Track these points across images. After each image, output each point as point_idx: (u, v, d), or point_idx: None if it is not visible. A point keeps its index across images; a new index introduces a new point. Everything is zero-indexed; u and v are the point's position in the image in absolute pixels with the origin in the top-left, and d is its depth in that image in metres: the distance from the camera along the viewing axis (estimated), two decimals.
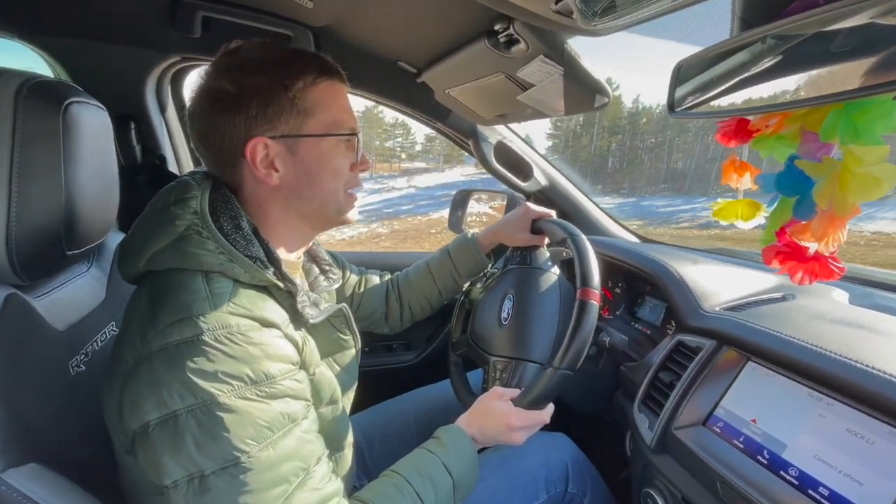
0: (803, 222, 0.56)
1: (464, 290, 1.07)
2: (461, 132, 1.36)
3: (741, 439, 0.67)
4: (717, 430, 0.71)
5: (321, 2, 0.84)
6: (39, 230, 0.63)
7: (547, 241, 0.98)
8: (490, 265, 1.03)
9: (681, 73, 0.65)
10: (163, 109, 1.16)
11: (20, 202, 0.60)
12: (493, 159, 1.39)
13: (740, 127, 0.60)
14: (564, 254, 1.00)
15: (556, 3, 0.50)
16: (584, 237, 0.82)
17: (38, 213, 0.63)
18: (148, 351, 0.51)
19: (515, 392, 0.77)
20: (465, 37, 0.82)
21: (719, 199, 0.65)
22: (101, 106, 0.72)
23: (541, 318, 0.87)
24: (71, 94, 0.65)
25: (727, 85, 0.63)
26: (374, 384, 1.17)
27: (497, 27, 0.72)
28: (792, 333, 0.71)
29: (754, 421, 0.67)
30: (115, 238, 0.91)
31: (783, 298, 0.91)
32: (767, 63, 0.57)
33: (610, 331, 0.99)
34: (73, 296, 0.76)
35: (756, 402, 0.70)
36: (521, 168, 1.44)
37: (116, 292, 0.83)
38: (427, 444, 0.70)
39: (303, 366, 0.62)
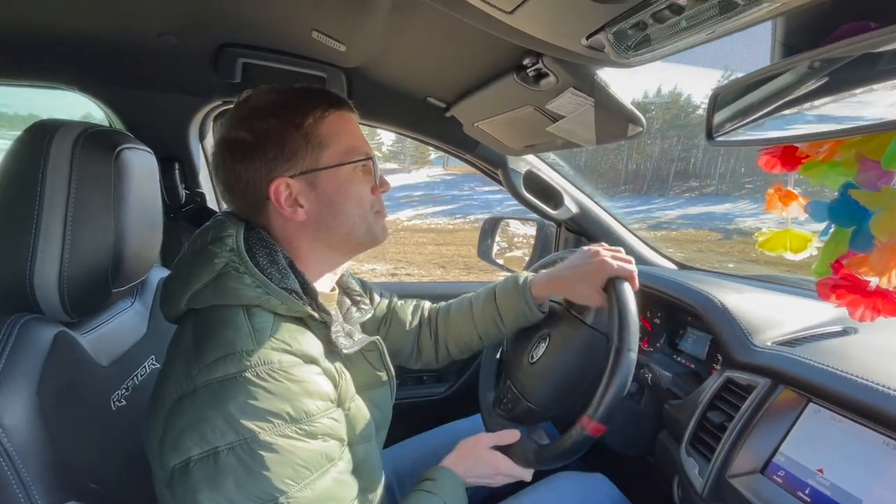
0: (861, 254, 0.52)
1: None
2: (490, 162, 1.36)
3: (807, 491, 0.61)
4: (779, 479, 0.65)
5: (354, 45, 0.87)
6: (89, 270, 0.66)
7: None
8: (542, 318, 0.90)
9: (718, 101, 0.64)
10: (205, 150, 1.23)
11: (73, 244, 0.64)
12: (523, 188, 1.38)
13: (787, 153, 0.57)
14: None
15: (588, 39, 0.49)
16: (634, 352, 0.69)
17: (88, 253, 0.66)
18: (192, 386, 0.53)
19: (497, 439, 0.80)
20: (494, 72, 0.83)
21: (764, 229, 0.62)
22: (149, 150, 0.77)
23: (568, 375, 0.84)
24: (122, 141, 0.70)
25: (769, 109, 0.60)
26: (404, 417, 1.15)
27: (526, 62, 0.72)
28: (858, 373, 0.65)
29: (821, 471, 0.61)
30: (157, 273, 0.94)
31: (844, 332, 0.84)
32: (813, 86, 0.55)
33: (652, 366, 0.93)
34: (117, 331, 0.79)
35: (821, 450, 0.63)
36: (551, 196, 1.42)
37: (157, 326, 0.86)
38: (421, 485, 0.72)
39: (339, 401, 0.63)
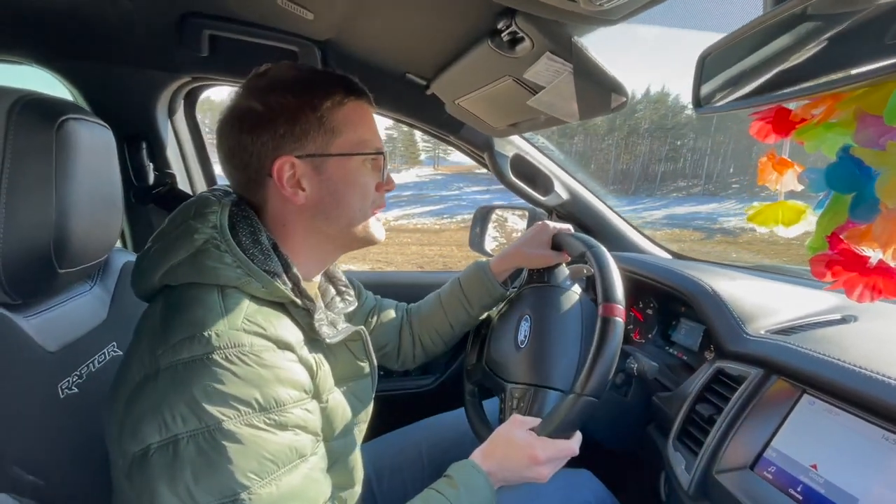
0: (862, 225, 0.46)
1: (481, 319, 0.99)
2: (476, 146, 1.31)
3: (799, 489, 0.56)
4: (769, 475, 0.60)
5: (320, 13, 0.82)
6: (28, 248, 0.62)
7: (567, 258, 0.90)
8: (508, 294, 0.96)
9: (706, 64, 0.58)
10: (176, 130, 1.18)
11: (8, 218, 0.59)
12: (511, 173, 1.32)
13: (780, 118, 0.51)
14: (585, 271, 0.92)
15: None
16: (603, 249, 0.75)
17: (27, 229, 0.61)
18: (155, 367, 0.49)
19: (537, 421, 0.68)
20: (468, 38, 0.78)
21: (755, 203, 0.56)
22: (104, 124, 0.72)
23: (561, 340, 0.79)
24: (67, 110, 0.65)
25: (761, 70, 0.55)
26: (389, 409, 1.11)
27: (500, 25, 0.67)
28: (856, 362, 0.59)
29: (814, 467, 0.56)
30: (121, 257, 0.90)
31: (843, 320, 0.79)
32: (805, 37, 0.49)
33: (638, 356, 0.89)
34: (69, 315, 0.74)
35: (815, 444, 0.58)
36: (540, 182, 1.37)
37: (120, 312, 0.81)
38: (437, 485, 0.62)
39: (315, 393, 0.59)
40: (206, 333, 0.49)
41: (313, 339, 0.61)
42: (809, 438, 0.59)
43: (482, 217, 1.55)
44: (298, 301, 0.59)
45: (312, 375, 0.59)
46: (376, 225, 0.69)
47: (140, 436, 0.47)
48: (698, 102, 0.59)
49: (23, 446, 0.59)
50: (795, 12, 0.45)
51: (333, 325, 0.65)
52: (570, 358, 0.78)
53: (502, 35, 0.68)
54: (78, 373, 0.71)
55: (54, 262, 0.65)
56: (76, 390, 0.69)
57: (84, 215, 0.67)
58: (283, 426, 0.50)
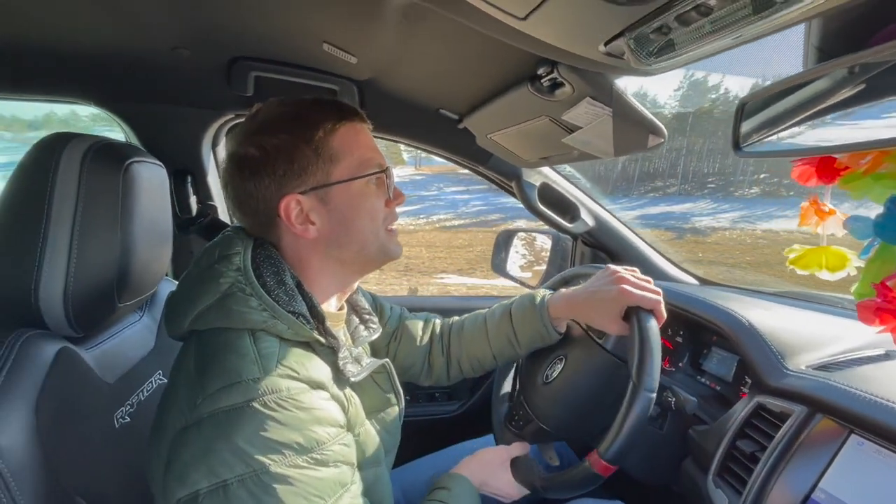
0: None
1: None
2: (504, 175, 1.34)
3: None
4: None
5: (364, 57, 0.86)
6: (94, 284, 0.65)
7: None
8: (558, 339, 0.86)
9: (746, 109, 0.60)
10: (217, 162, 1.23)
11: (79, 258, 0.63)
12: (538, 201, 1.35)
13: (825, 164, 0.53)
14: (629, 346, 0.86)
15: (606, 45, 0.47)
16: (653, 393, 0.64)
17: (94, 267, 0.65)
18: (197, 417, 0.50)
19: (513, 450, 0.79)
20: (507, 82, 0.81)
21: (796, 246, 0.57)
22: (159, 163, 0.76)
23: (583, 398, 0.81)
24: (131, 154, 0.69)
25: (801, 117, 0.57)
26: (414, 435, 1.12)
27: (540, 71, 0.70)
28: None
29: None
30: (165, 286, 0.93)
31: (886, 356, 0.78)
32: (850, 92, 0.51)
33: (676, 390, 0.88)
34: (123, 346, 0.77)
35: (865, 486, 0.58)
36: (567, 209, 1.39)
37: (165, 340, 0.84)
38: (437, 495, 0.70)
39: (349, 426, 0.61)
40: (243, 381, 0.51)
41: (340, 375, 0.62)
42: (859, 480, 0.59)
43: (504, 241, 1.57)
44: (323, 340, 0.59)
45: (344, 410, 0.60)
46: (391, 241, 0.68)
47: (188, 482, 0.48)
48: (737, 145, 0.61)
49: (83, 477, 0.61)
50: (842, 70, 0.47)
51: (358, 360, 0.65)
52: (583, 417, 0.82)
53: (542, 80, 0.71)
54: (130, 402, 0.73)
55: (115, 297, 0.69)
56: (128, 420, 0.72)
57: (143, 251, 0.71)
58: (325, 463, 0.52)
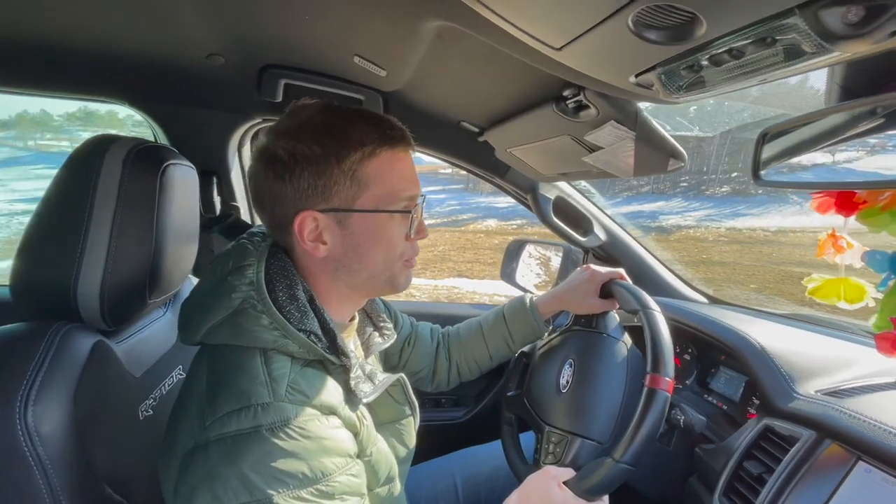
0: None
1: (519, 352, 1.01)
2: (520, 187, 1.36)
3: None
4: None
5: (394, 71, 0.89)
6: (129, 280, 0.68)
7: (617, 306, 0.90)
8: (547, 333, 0.98)
9: (767, 140, 0.62)
10: (242, 165, 1.26)
11: (116, 255, 0.65)
12: (553, 215, 1.36)
13: (843, 197, 0.54)
14: (636, 319, 0.91)
15: (636, 77, 0.49)
16: (658, 312, 0.75)
17: (129, 264, 0.68)
18: (206, 438, 0.51)
19: (569, 473, 0.70)
20: (532, 101, 0.83)
21: (815, 276, 0.59)
22: (191, 165, 0.79)
23: (604, 391, 0.80)
24: (168, 157, 0.72)
25: (822, 150, 0.58)
26: (420, 440, 1.13)
27: (566, 93, 0.72)
28: None
29: None
30: (189, 283, 0.96)
31: None
32: (871, 128, 0.53)
33: (685, 408, 0.89)
34: (149, 340, 0.80)
35: None
36: (580, 222, 1.41)
37: None
38: None
39: (360, 448, 0.60)
40: (251, 407, 0.50)
41: (353, 394, 0.60)
42: None
43: (514, 251, 1.58)
44: (334, 359, 0.58)
45: (356, 433, 0.59)
46: (402, 274, 0.65)
47: None
48: (756, 174, 0.63)
49: (111, 467, 0.63)
50: (864, 109, 0.49)
51: (371, 378, 0.63)
52: (610, 410, 0.78)
53: (567, 102, 0.73)
54: (153, 396, 0.76)
55: (146, 293, 0.72)
56: (151, 412, 0.74)
57: (173, 249, 0.74)
58: (329, 496, 0.51)
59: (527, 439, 0.95)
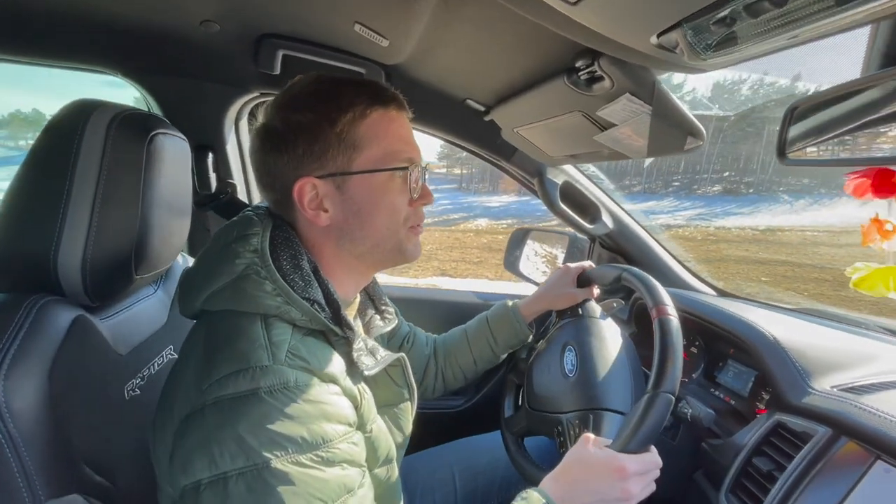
0: None
1: (508, 364, 1.03)
2: (526, 171, 1.31)
3: None
4: None
5: (396, 40, 0.84)
6: (112, 254, 0.65)
7: (596, 293, 0.96)
8: (531, 337, 1.01)
9: (795, 115, 0.57)
10: (239, 141, 1.22)
11: (99, 227, 0.62)
12: (560, 200, 1.32)
13: (882, 177, 0.50)
14: (615, 304, 1.02)
15: (658, 37, 0.44)
16: (635, 268, 0.80)
17: (113, 237, 0.64)
18: (202, 402, 0.49)
19: (606, 442, 0.63)
20: (542, 74, 0.79)
21: (859, 265, 0.54)
22: (183, 137, 0.75)
23: (610, 364, 0.81)
24: (157, 125, 0.68)
25: (854, 126, 0.54)
26: (419, 428, 1.11)
27: (579, 63, 0.67)
28: None
29: None
30: (180, 262, 0.93)
31: None
32: None
33: (691, 401, 0.86)
34: (137, 319, 0.77)
35: None
36: (587, 210, 1.36)
37: (177, 316, 0.84)
38: None
39: (360, 423, 0.58)
40: (250, 369, 0.49)
41: (354, 368, 0.59)
42: None
43: (519, 239, 1.54)
44: (338, 330, 0.57)
45: (356, 406, 0.57)
46: (409, 241, 0.64)
47: (190, 470, 0.47)
48: (782, 152, 0.58)
49: (92, 447, 0.61)
50: None
51: (373, 353, 0.62)
52: (622, 381, 0.79)
53: (580, 73, 0.69)
54: (141, 375, 0.73)
55: (133, 269, 0.68)
56: (138, 392, 0.72)
57: (162, 224, 0.70)
58: (330, 462, 0.49)
59: (534, 451, 0.94)
